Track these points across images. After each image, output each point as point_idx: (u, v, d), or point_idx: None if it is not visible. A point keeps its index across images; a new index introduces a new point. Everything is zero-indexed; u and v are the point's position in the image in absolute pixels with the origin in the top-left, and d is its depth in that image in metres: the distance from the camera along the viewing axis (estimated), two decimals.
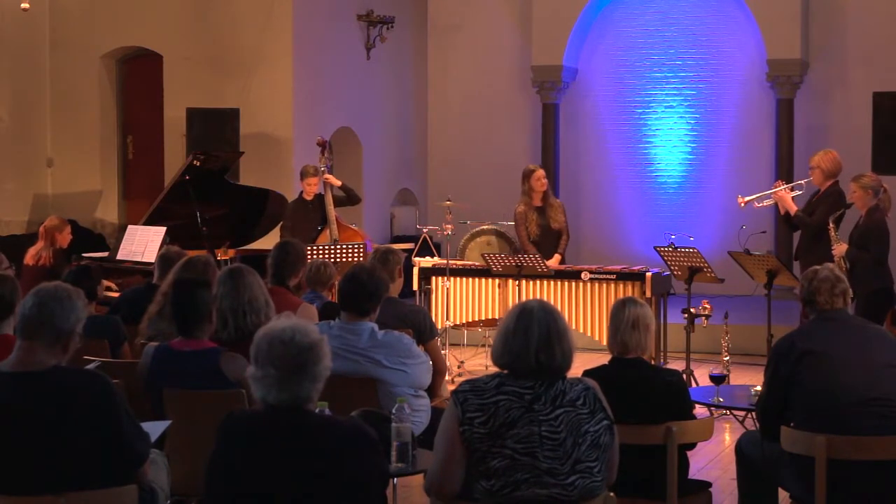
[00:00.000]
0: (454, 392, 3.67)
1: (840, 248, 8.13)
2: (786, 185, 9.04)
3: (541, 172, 10.12)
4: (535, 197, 10.04)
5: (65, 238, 9.44)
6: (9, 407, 3.61)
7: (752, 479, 4.94)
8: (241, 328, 5.05)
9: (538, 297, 9.33)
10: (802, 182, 9.02)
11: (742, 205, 9.13)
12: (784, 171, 12.56)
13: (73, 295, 3.78)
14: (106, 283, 8.36)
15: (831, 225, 8.27)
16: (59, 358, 3.70)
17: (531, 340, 3.64)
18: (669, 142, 13.37)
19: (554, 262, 9.78)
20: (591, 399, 3.64)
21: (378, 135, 13.88)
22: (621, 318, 4.66)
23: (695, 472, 5.46)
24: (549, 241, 10.00)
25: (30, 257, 9.26)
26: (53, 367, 3.67)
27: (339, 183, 10.28)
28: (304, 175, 10.25)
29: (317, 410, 3.44)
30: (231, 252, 9.81)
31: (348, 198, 10.38)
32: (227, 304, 5.08)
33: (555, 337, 3.65)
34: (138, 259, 9.21)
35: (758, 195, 9.17)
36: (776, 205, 9.19)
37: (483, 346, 10.26)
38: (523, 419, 3.57)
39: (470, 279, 9.88)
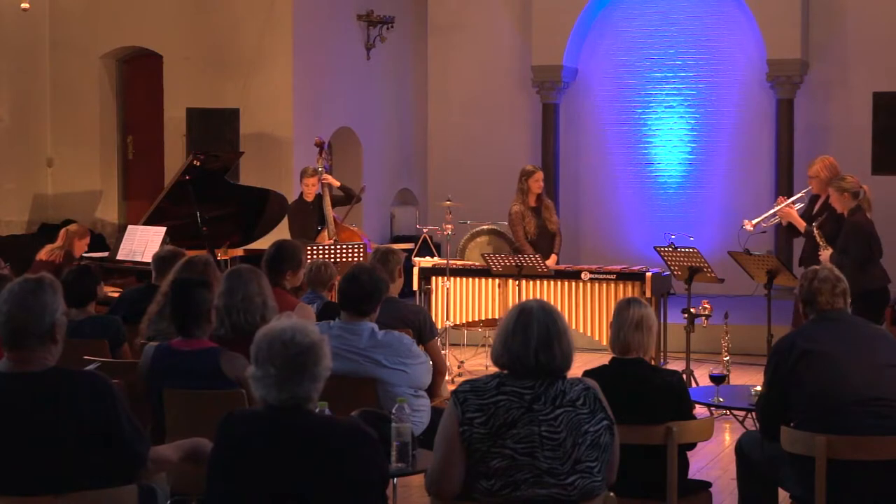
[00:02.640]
0: (454, 392, 3.68)
1: (825, 254, 8.12)
2: (788, 201, 8.94)
3: (540, 174, 10.15)
4: (530, 197, 10.06)
5: (81, 247, 9.39)
6: (9, 407, 3.60)
7: (752, 479, 4.94)
8: (236, 326, 5.06)
9: (538, 297, 9.33)
10: (802, 194, 8.93)
11: (751, 229, 8.99)
12: (784, 171, 12.57)
13: (39, 289, 3.68)
14: (107, 288, 8.37)
15: (816, 231, 8.25)
16: (52, 352, 3.68)
17: (530, 340, 3.64)
18: (669, 142, 13.37)
19: (551, 263, 9.79)
20: (591, 399, 3.64)
21: (378, 135, 13.88)
22: (625, 317, 4.66)
23: (695, 472, 5.46)
24: (545, 241, 10.03)
25: (44, 252, 9.26)
26: (53, 368, 3.66)
27: (337, 183, 10.29)
28: (302, 175, 10.28)
29: (317, 410, 3.44)
30: (231, 252, 9.82)
31: (347, 197, 10.38)
32: (223, 303, 5.10)
33: (554, 337, 3.65)
34: (138, 259, 9.21)
35: (764, 216, 9.04)
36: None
37: (483, 346, 10.25)
38: (523, 419, 3.57)
39: (470, 279, 9.88)
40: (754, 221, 8.98)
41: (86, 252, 9.43)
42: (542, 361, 3.63)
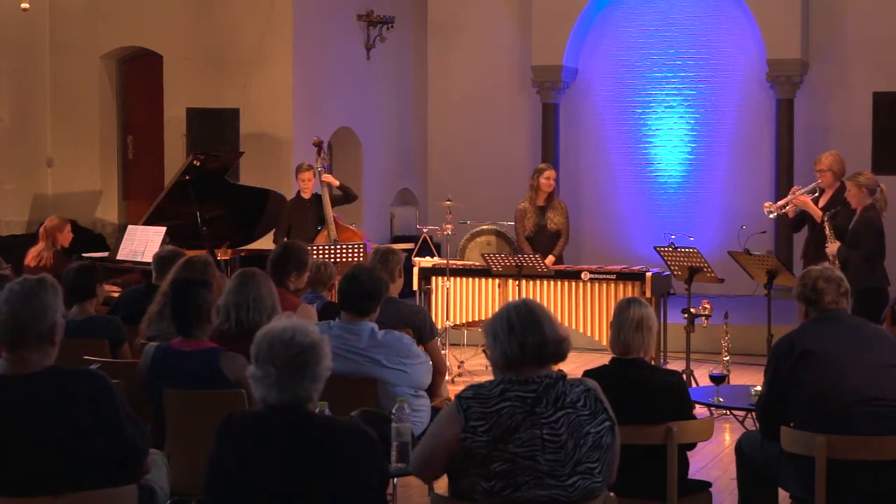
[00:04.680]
0: (458, 397, 3.66)
1: (832, 247, 8.16)
2: (803, 190, 8.93)
3: (551, 173, 10.16)
4: (539, 196, 10.06)
5: (65, 237, 9.39)
6: (8, 409, 3.60)
7: (752, 479, 4.94)
8: (242, 322, 5.07)
9: (538, 297, 9.35)
10: (814, 185, 8.90)
11: (774, 211, 9.01)
12: (784, 171, 12.57)
13: (39, 289, 3.68)
14: (107, 286, 8.36)
15: (827, 223, 8.29)
16: (49, 354, 3.68)
17: (542, 324, 3.64)
18: (669, 142, 13.37)
19: (546, 263, 9.79)
20: (591, 400, 3.63)
21: (378, 135, 13.88)
22: (625, 317, 4.66)
23: (695, 472, 5.46)
24: (544, 240, 10.01)
25: (31, 258, 9.23)
26: (51, 368, 3.66)
27: (337, 182, 10.28)
28: (298, 171, 10.25)
29: (317, 410, 3.44)
30: (231, 252, 9.82)
31: (345, 196, 10.37)
32: (232, 299, 5.12)
33: (554, 320, 3.70)
34: (138, 259, 9.21)
35: (782, 202, 9.05)
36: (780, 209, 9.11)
37: (483, 346, 10.24)
38: (525, 423, 3.56)
39: (470, 279, 9.88)
40: (777, 204, 9.00)
41: (81, 249, 9.42)
42: (561, 342, 3.65)
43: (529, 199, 10.08)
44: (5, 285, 4.61)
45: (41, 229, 9.44)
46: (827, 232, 8.26)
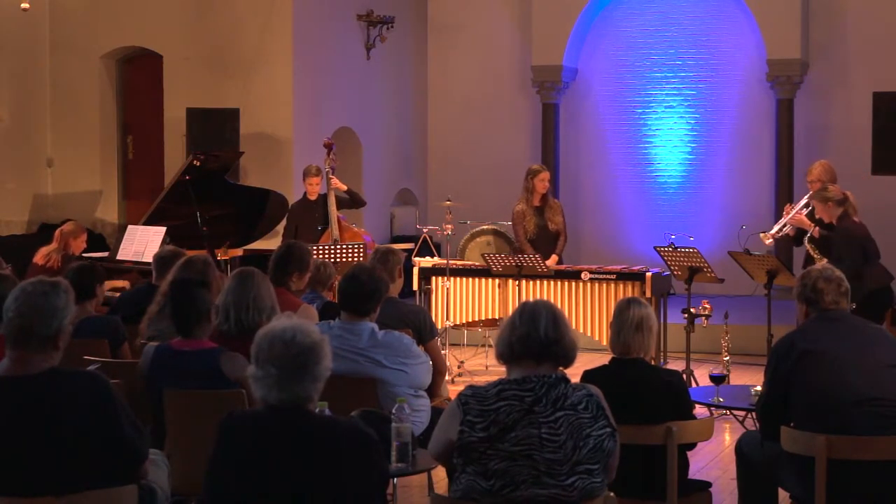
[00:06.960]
0: (459, 395, 3.69)
1: (819, 266, 8.10)
2: (797, 208, 8.88)
3: (546, 174, 10.14)
4: (535, 197, 10.05)
5: (78, 245, 9.25)
6: (8, 409, 3.60)
7: (752, 479, 4.94)
8: (241, 322, 5.07)
9: (538, 297, 9.34)
10: (807, 199, 8.84)
11: (770, 242, 8.99)
12: (784, 171, 12.57)
13: (52, 292, 3.69)
14: (109, 283, 8.33)
15: (808, 246, 8.27)
16: (52, 357, 3.68)
17: (539, 320, 3.65)
18: (669, 142, 13.38)
19: (550, 263, 9.78)
20: (593, 405, 3.64)
21: (378, 135, 13.87)
22: (625, 318, 4.66)
23: (695, 472, 5.46)
24: (545, 241, 10.01)
25: (40, 256, 9.17)
26: (50, 369, 3.66)
27: (344, 187, 10.28)
28: (306, 174, 10.26)
29: (317, 410, 3.44)
30: (231, 252, 9.81)
31: (352, 201, 10.38)
32: (232, 299, 5.11)
33: (560, 319, 3.70)
34: (138, 259, 9.21)
35: (778, 226, 8.99)
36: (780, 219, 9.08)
37: (483, 346, 10.26)
38: (522, 421, 3.57)
39: (470, 279, 9.88)
40: (771, 233, 8.94)
41: (85, 251, 9.39)
42: (551, 337, 3.64)
43: (526, 200, 10.07)
44: (7, 285, 4.62)
45: (57, 231, 9.35)
46: (812, 254, 8.24)
